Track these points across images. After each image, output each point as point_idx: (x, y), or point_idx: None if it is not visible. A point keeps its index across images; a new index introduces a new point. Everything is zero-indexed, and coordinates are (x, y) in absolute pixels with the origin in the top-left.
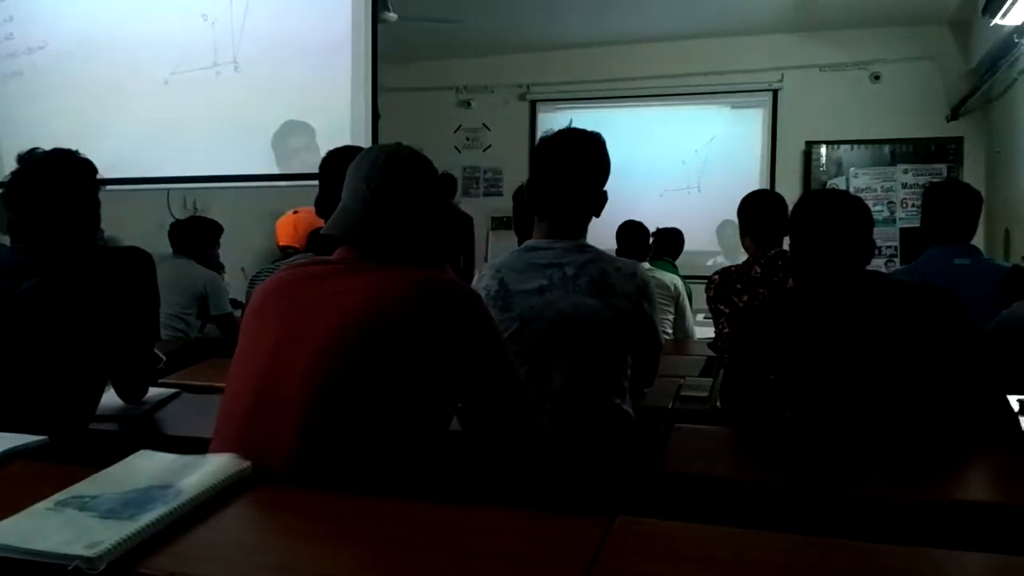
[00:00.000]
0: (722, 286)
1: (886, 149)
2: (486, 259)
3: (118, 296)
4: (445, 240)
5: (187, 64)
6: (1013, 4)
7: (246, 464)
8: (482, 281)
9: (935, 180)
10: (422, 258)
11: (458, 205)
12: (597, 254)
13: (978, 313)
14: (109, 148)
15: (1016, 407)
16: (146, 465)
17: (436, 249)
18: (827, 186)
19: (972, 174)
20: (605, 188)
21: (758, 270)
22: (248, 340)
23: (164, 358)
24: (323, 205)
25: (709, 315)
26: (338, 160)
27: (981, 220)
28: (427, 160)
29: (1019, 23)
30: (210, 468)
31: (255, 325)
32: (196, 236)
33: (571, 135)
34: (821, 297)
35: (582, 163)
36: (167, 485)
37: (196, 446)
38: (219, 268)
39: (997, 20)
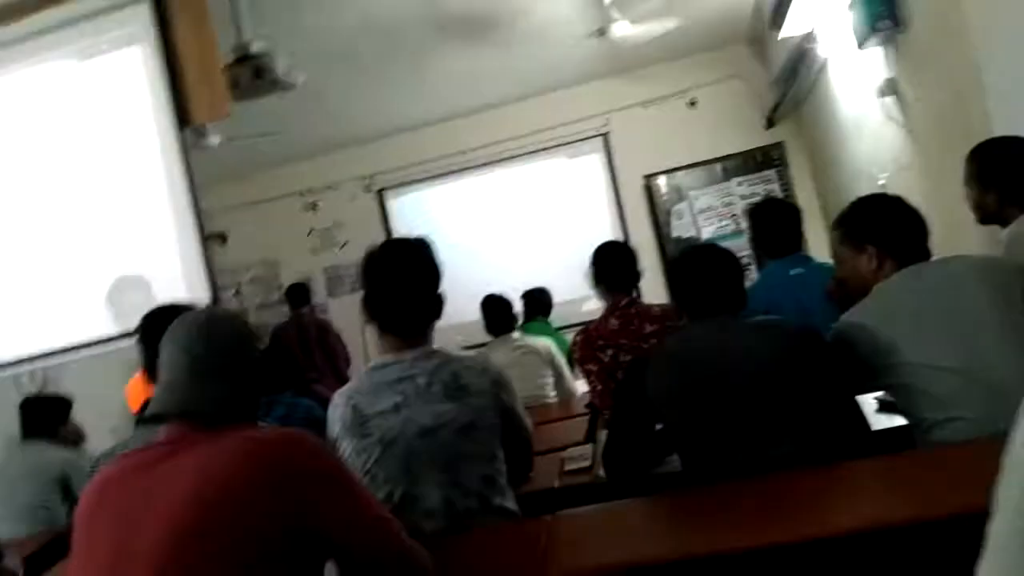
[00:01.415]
0: (585, 345)
1: (718, 167)
2: (365, 353)
3: None
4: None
5: None
6: (794, 17)
7: None
8: (336, 411)
9: (768, 187)
10: (249, 413)
11: (314, 309)
12: (445, 357)
13: (822, 314)
14: None
15: (875, 404)
16: None
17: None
18: (672, 212)
19: (800, 174)
20: (441, 291)
21: (615, 323)
22: (82, 547)
23: (21, 567)
24: (151, 370)
25: None
26: (158, 321)
27: (818, 215)
28: (242, 318)
29: (805, 32)
30: None
31: (88, 529)
32: (43, 416)
33: (397, 245)
34: (698, 341)
35: (412, 272)
36: None
37: None
38: (78, 440)
39: (785, 32)
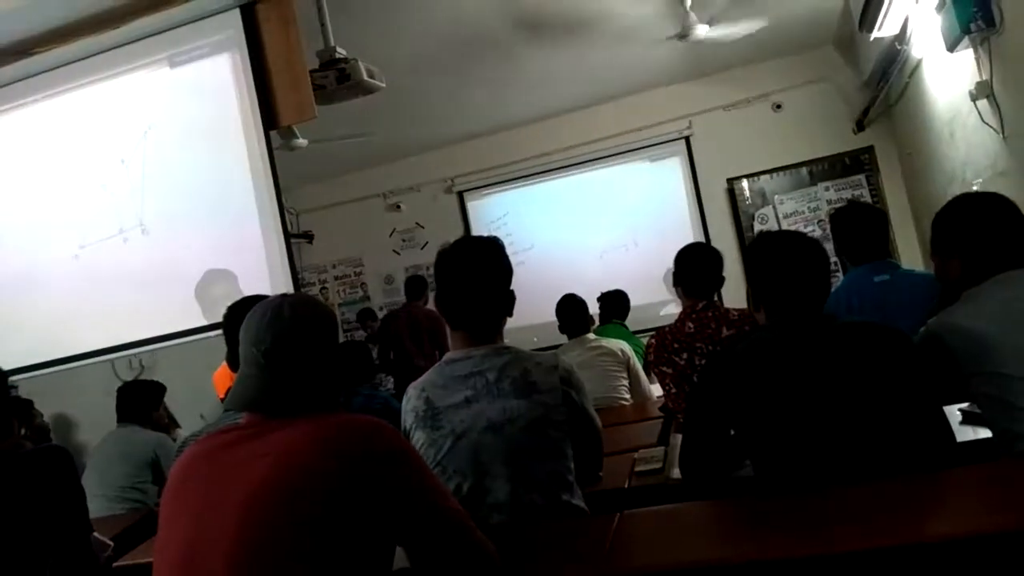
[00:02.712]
0: (660, 348)
1: (804, 171)
2: None
3: (37, 502)
4: (343, 378)
5: (93, 235)
6: (886, 16)
7: None
8: (409, 403)
9: (857, 192)
10: (325, 402)
11: (427, 300)
12: (515, 354)
13: (909, 325)
14: (28, 332)
15: (959, 416)
16: None
17: (335, 389)
18: (756, 217)
19: (890, 179)
20: (512, 287)
21: (691, 326)
22: (167, 521)
23: (110, 543)
24: (234, 361)
25: None
26: (239, 313)
27: (910, 221)
28: (315, 303)
29: (897, 31)
30: None
31: (173, 503)
32: (137, 401)
33: (468, 244)
34: (777, 343)
35: (483, 269)
36: None
37: None
38: (169, 427)
39: (876, 33)
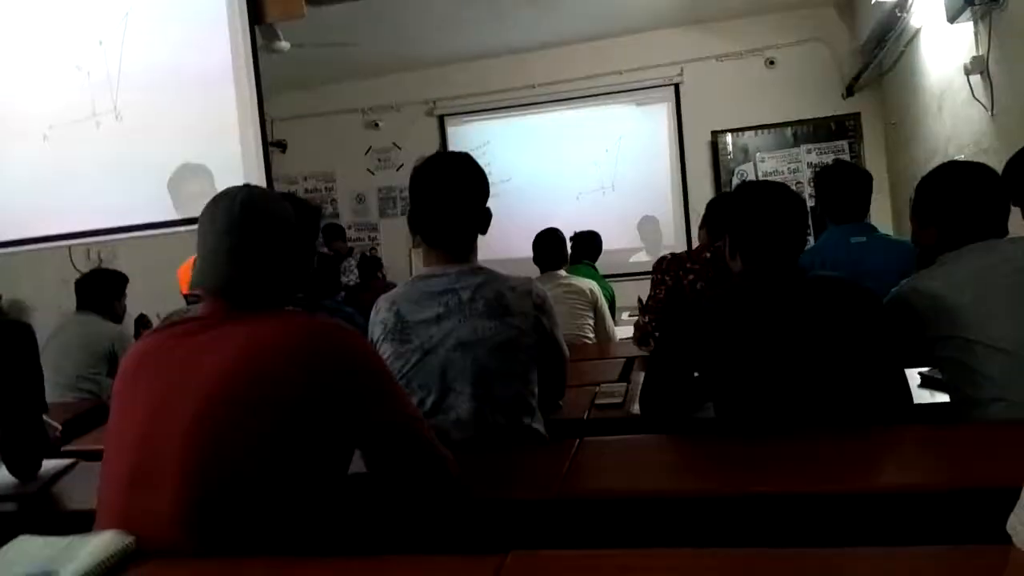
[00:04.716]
0: (675, 261)
1: (788, 132)
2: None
3: None
4: (314, 279)
5: (65, 117)
6: None
7: (129, 539)
8: (379, 315)
9: (839, 157)
10: (292, 301)
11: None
12: (490, 275)
13: (879, 288)
14: None
15: (918, 379)
16: (24, 552)
17: (306, 290)
18: (736, 172)
19: (872, 147)
20: (488, 205)
21: (707, 254)
22: (120, 408)
23: (59, 427)
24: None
25: (633, 313)
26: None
27: (886, 191)
28: (286, 197)
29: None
30: (91, 549)
31: (127, 391)
32: (99, 290)
33: (443, 159)
34: (747, 292)
35: (459, 185)
36: (47, 572)
37: (92, 520)
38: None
39: None
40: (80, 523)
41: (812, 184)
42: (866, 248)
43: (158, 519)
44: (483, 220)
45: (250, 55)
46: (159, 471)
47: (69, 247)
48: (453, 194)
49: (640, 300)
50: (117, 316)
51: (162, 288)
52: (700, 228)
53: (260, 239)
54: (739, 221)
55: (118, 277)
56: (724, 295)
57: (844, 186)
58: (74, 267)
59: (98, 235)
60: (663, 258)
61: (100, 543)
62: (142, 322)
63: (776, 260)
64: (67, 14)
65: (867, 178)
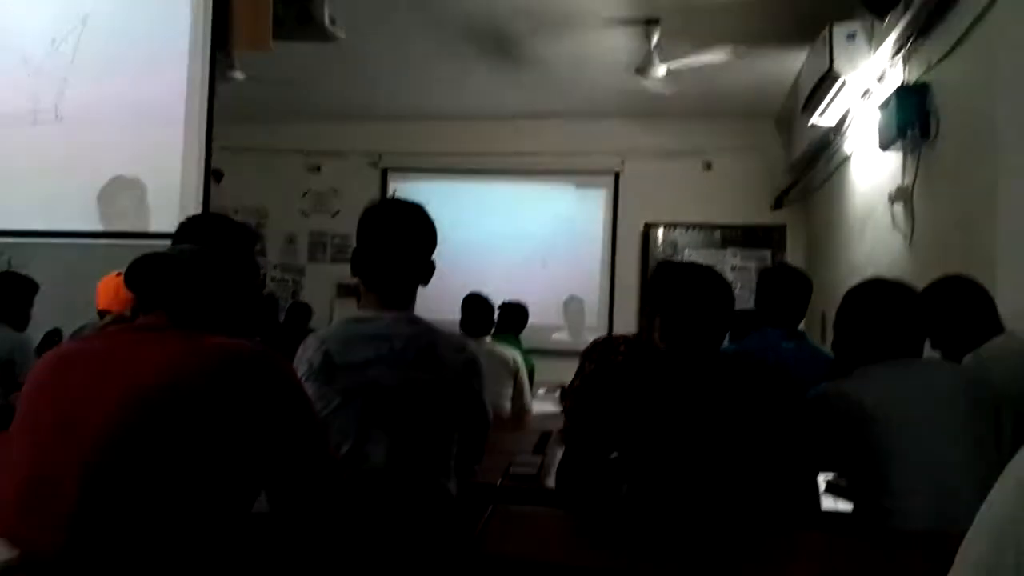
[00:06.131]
0: (604, 346)
1: (717, 233)
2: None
3: None
4: (257, 308)
5: (2, 108)
6: (829, 105)
7: (12, 554)
8: (306, 353)
9: (761, 264)
10: (233, 327)
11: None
12: (426, 327)
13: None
14: None
15: (823, 486)
16: None
17: (247, 317)
18: None
19: (795, 259)
20: (433, 258)
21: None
22: (26, 414)
23: None
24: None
25: (550, 390)
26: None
27: None
28: (237, 224)
29: (834, 123)
30: None
31: (33, 400)
32: (8, 295)
33: (397, 205)
34: (666, 367)
35: (409, 232)
36: None
37: None
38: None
39: (815, 119)
40: None
41: (733, 287)
42: (796, 355)
43: (48, 536)
44: (427, 271)
45: (207, 80)
46: (54, 485)
47: None
48: (401, 240)
49: (562, 387)
50: (22, 324)
51: (73, 300)
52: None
53: (212, 262)
54: (666, 297)
55: (29, 283)
56: (640, 367)
57: (784, 289)
58: None
59: (15, 236)
60: (595, 342)
61: None
62: (53, 337)
63: (698, 339)
64: (24, 7)
65: (808, 285)
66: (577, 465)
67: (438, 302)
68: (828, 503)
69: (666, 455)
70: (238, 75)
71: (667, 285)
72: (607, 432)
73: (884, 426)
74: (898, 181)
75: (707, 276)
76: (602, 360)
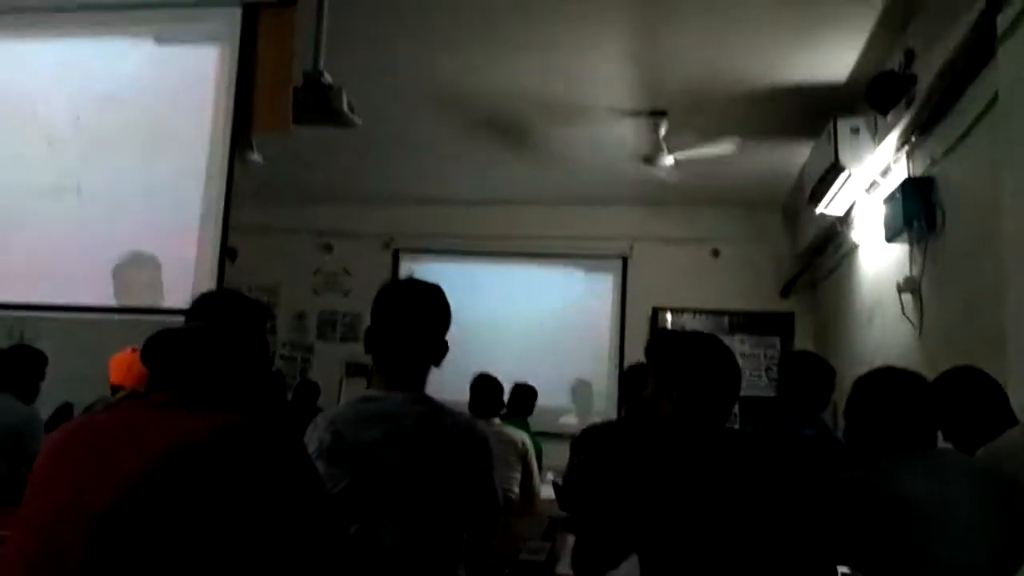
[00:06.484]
0: (590, 434)
1: (725, 319)
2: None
3: None
4: (266, 386)
5: (26, 187)
6: (835, 196)
7: None
8: (316, 432)
9: (770, 351)
10: (243, 404)
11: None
12: (436, 407)
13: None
14: None
15: None
16: None
17: (257, 395)
18: None
19: (802, 346)
20: (447, 338)
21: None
22: (38, 485)
23: None
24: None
25: (558, 473)
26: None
27: None
28: (251, 300)
29: (841, 214)
30: None
31: (44, 476)
32: (20, 367)
33: (412, 285)
34: (687, 446)
35: (424, 313)
36: None
37: None
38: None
39: (821, 209)
40: None
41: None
42: (814, 444)
43: None
44: (439, 351)
45: (227, 161)
46: (63, 560)
47: None
48: (415, 320)
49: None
50: (30, 396)
51: (84, 375)
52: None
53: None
54: (684, 369)
55: (39, 356)
56: (656, 445)
57: (807, 377)
58: None
59: (28, 310)
60: (583, 432)
61: None
62: (64, 412)
63: (715, 413)
64: (53, 84)
65: (831, 373)
66: (591, 548)
67: (445, 383)
68: None
69: (689, 536)
70: (256, 157)
71: (684, 357)
72: (623, 515)
73: (915, 522)
74: (905, 271)
75: (721, 348)
76: (588, 451)
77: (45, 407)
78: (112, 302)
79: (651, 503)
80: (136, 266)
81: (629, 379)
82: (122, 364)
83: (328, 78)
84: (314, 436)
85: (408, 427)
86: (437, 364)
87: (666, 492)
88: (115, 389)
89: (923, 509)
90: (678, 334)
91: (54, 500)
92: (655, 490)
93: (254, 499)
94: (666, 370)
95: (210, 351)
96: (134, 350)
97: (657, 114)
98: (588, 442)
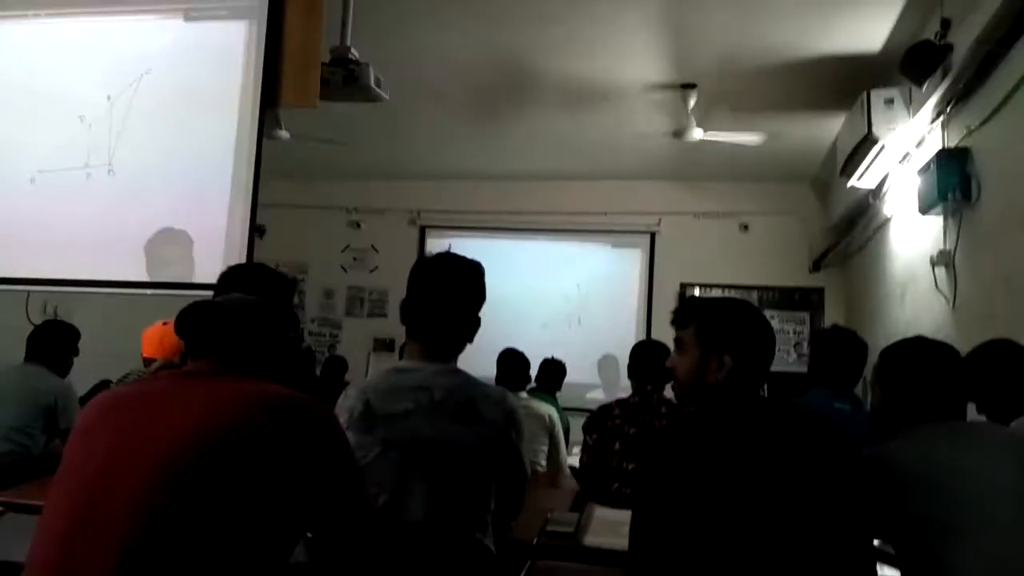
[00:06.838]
0: (600, 415)
1: (754, 295)
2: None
3: None
4: (297, 359)
5: (57, 164)
6: (868, 168)
7: None
8: (347, 401)
9: (799, 327)
10: (275, 376)
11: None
12: (466, 379)
13: None
14: None
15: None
16: None
17: (289, 367)
18: None
19: (832, 323)
20: (480, 315)
21: (636, 399)
22: (72, 458)
23: None
24: None
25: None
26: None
27: None
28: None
29: (873, 186)
30: None
31: (82, 442)
32: (54, 341)
33: (450, 259)
34: (730, 427)
35: (459, 287)
36: None
37: (17, 572)
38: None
39: (853, 182)
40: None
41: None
42: (847, 416)
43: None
44: (472, 327)
45: (255, 137)
46: (100, 530)
47: (28, 293)
48: (450, 295)
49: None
50: (64, 370)
51: (117, 349)
52: (629, 378)
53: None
54: (745, 335)
55: (72, 330)
56: (712, 420)
57: (839, 351)
58: (28, 318)
59: (59, 285)
60: (591, 414)
61: None
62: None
63: (762, 377)
64: (83, 64)
65: (863, 348)
66: (650, 553)
67: (472, 358)
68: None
69: (744, 517)
70: (284, 134)
71: (737, 319)
72: (677, 500)
73: (940, 494)
74: (940, 245)
75: (761, 312)
76: (600, 430)
77: (79, 382)
78: (144, 277)
79: (713, 485)
80: (168, 241)
81: (638, 356)
82: (154, 337)
83: (355, 53)
84: (345, 406)
85: (439, 399)
86: (471, 340)
87: (734, 469)
88: (148, 362)
89: (955, 480)
90: (717, 299)
91: (93, 468)
92: (719, 470)
93: (290, 466)
94: (716, 334)
95: (246, 321)
96: (165, 323)
97: (686, 87)
98: (600, 421)
